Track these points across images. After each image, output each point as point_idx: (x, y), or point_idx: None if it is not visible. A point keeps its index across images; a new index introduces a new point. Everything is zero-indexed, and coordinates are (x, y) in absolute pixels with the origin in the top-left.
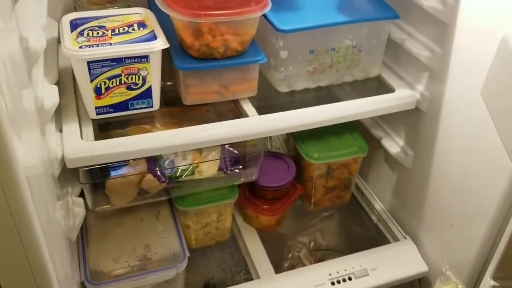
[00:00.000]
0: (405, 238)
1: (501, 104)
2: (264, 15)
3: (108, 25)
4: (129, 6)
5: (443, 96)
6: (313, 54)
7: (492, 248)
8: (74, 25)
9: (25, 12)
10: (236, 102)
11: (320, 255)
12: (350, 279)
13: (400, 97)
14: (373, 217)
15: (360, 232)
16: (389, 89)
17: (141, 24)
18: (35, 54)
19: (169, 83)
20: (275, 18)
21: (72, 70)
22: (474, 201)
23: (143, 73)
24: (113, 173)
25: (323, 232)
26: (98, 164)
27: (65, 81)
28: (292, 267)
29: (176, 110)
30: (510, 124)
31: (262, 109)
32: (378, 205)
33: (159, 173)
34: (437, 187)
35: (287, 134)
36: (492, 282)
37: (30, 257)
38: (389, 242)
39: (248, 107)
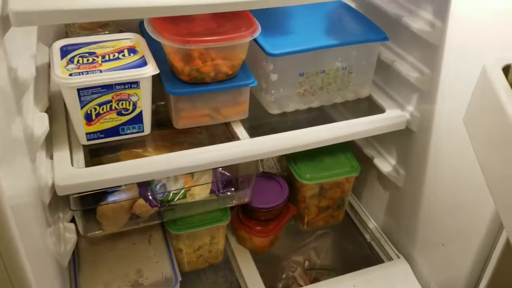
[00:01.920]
0: (399, 257)
1: (480, 133)
2: (255, 39)
3: (99, 51)
4: (121, 30)
5: (433, 116)
6: (303, 77)
7: (484, 267)
8: (64, 51)
9: (14, 42)
10: (227, 124)
11: (314, 274)
12: None
13: (391, 117)
14: (367, 236)
15: (354, 251)
16: (379, 110)
17: (132, 50)
18: (24, 84)
19: (160, 103)
20: (265, 42)
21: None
22: (465, 221)
23: (134, 98)
24: (104, 199)
25: (317, 250)
26: (89, 191)
27: (56, 107)
28: (287, 287)
29: (168, 132)
30: (488, 153)
31: (254, 131)
32: (372, 224)
33: (150, 197)
34: (428, 206)
35: None
36: None
37: (16, 285)
38: (382, 261)
39: (240, 130)
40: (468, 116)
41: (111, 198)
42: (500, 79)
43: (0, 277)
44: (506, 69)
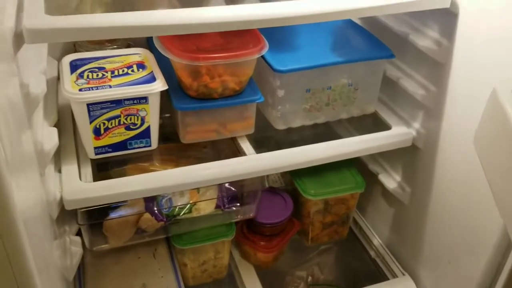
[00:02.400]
0: (404, 274)
1: (491, 156)
2: (262, 56)
3: (108, 66)
4: (129, 45)
5: (439, 134)
6: (309, 93)
7: (490, 287)
8: (74, 66)
9: (26, 56)
10: (233, 139)
11: None
12: None
13: (397, 134)
14: (371, 252)
15: (358, 267)
16: (385, 126)
17: (140, 65)
18: (36, 99)
19: (166, 115)
20: (272, 59)
21: (71, 109)
22: (472, 239)
23: (142, 113)
24: (111, 214)
25: (321, 266)
26: (96, 205)
27: (64, 121)
28: None
29: (174, 146)
30: (499, 175)
31: (260, 146)
32: (376, 240)
33: (156, 211)
34: (434, 223)
35: None
36: None
37: None
38: (387, 278)
39: (246, 145)
40: (477, 138)
41: (117, 213)
42: (510, 102)
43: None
44: None
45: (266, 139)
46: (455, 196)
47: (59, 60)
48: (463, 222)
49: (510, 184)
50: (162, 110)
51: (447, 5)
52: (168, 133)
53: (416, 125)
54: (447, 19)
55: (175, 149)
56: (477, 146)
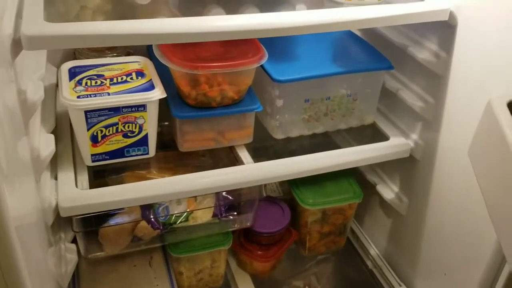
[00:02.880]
0: (400, 285)
1: (485, 167)
2: (261, 65)
3: (107, 73)
4: (128, 53)
5: (436, 145)
6: (308, 103)
7: None
8: (72, 73)
9: (24, 63)
10: (232, 148)
11: None
12: None
13: (395, 145)
14: (368, 263)
15: (355, 277)
16: (383, 137)
17: (139, 73)
18: (33, 106)
19: (165, 123)
20: (271, 68)
21: (69, 116)
22: (468, 250)
23: (140, 121)
24: (107, 221)
25: (318, 276)
26: (92, 213)
27: (62, 127)
28: None
29: (172, 154)
30: (492, 187)
31: (258, 155)
32: (373, 251)
33: (153, 219)
34: (431, 235)
35: None
36: None
37: None
38: None
39: (244, 154)
40: (472, 150)
41: (113, 220)
42: (505, 114)
43: None
44: (511, 105)
45: (264, 149)
46: (452, 208)
47: (58, 67)
48: (459, 234)
49: (503, 196)
50: (161, 119)
51: (446, 18)
52: (166, 141)
53: (414, 136)
54: (445, 31)
55: (173, 157)
56: (471, 157)
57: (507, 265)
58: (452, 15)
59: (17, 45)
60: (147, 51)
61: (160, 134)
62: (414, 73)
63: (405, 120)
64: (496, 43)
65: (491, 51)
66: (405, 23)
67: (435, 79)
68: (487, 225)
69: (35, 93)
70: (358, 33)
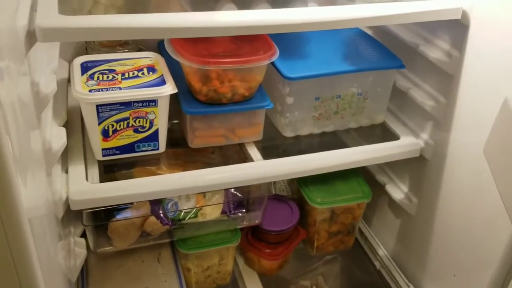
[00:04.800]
0: (408, 286)
1: (502, 164)
2: (272, 62)
3: (118, 68)
4: (140, 49)
5: (447, 145)
6: (318, 101)
7: None
8: (84, 68)
9: (37, 57)
10: (241, 145)
11: None
12: None
13: (405, 144)
14: (376, 263)
15: (363, 278)
16: (393, 136)
17: (151, 69)
18: (45, 98)
19: (175, 122)
20: (282, 66)
21: (80, 110)
22: (478, 252)
23: (151, 116)
24: (116, 216)
25: (325, 276)
26: (102, 207)
27: (73, 121)
28: None
29: (181, 151)
30: (510, 183)
31: (267, 153)
32: (382, 251)
33: (162, 215)
34: (440, 235)
35: None
36: None
37: None
38: None
39: (253, 151)
40: (488, 148)
41: (123, 215)
42: None
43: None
44: None
45: (274, 147)
46: (462, 208)
47: (70, 62)
48: (469, 235)
49: None
50: (171, 116)
51: (458, 17)
52: (176, 139)
53: (425, 136)
54: (458, 30)
55: (182, 154)
56: (487, 155)
57: None
58: (464, 14)
59: (31, 37)
60: (158, 48)
61: (170, 132)
62: (425, 72)
63: (415, 120)
64: (509, 41)
65: (504, 51)
66: (417, 21)
67: (446, 79)
68: (497, 226)
69: (48, 86)
70: (369, 32)
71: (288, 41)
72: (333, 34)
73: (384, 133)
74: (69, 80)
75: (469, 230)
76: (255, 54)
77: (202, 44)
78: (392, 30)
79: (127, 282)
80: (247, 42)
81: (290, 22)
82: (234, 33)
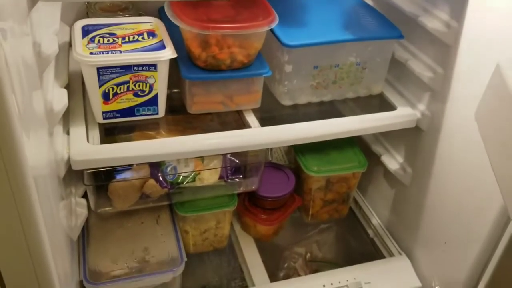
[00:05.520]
0: (400, 254)
1: (492, 130)
2: (271, 30)
3: (119, 32)
4: (140, 14)
5: (443, 116)
6: (317, 70)
7: (484, 268)
8: (85, 31)
9: (39, 18)
10: (239, 113)
11: (316, 266)
12: None
13: (401, 115)
14: (370, 232)
15: (357, 246)
16: (390, 107)
17: (151, 33)
18: (47, 59)
19: (175, 91)
20: (281, 33)
21: (82, 75)
22: (469, 221)
23: (151, 81)
24: (116, 177)
25: (320, 244)
26: (103, 167)
27: (74, 85)
28: (287, 277)
29: (181, 118)
30: (499, 149)
31: (265, 121)
32: (375, 220)
33: (161, 178)
34: (433, 205)
35: (289, 146)
36: None
37: (33, 254)
38: (384, 257)
39: (251, 118)
40: (480, 113)
41: (123, 176)
42: None
43: (19, 244)
44: None
45: (271, 115)
46: (455, 179)
47: (71, 26)
48: (461, 204)
49: (510, 157)
50: (172, 86)
51: None
52: (176, 107)
53: (421, 107)
54: (457, 0)
55: (182, 120)
56: (478, 119)
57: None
58: None
59: None
60: (158, 14)
61: (171, 100)
62: (424, 43)
63: (413, 91)
64: (507, 11)
65: (503, 21)
66: None
67: (444, 50)
68: (489, 196)
69: (50, 46)
70: (369, 2)
71: (288, 8)
72: (333, 3)
73: (381, 104)
74: (70, 44)
75: (461, 200)
76: (254, 20)
77: (202, 9)
78: (392, 1)
79: (127, 241)
80: (246, 8)
81: None
82: None
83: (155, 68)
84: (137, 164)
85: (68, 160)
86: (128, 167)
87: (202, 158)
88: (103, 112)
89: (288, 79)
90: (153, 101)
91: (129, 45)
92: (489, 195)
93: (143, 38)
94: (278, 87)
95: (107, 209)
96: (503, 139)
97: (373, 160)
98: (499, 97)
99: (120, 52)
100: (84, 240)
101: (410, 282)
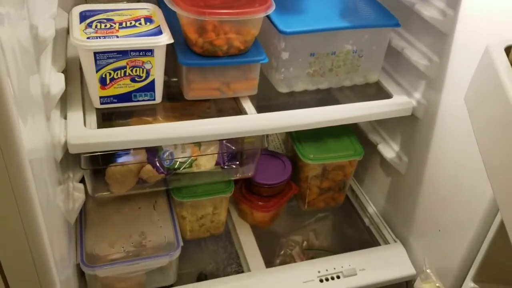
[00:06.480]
0: (395, 241)
1: (481, 112)
2: (268, 16)
3: (116, 18)
4: (138, 0)
5: (438, 104)
6: (313, 57)
7: (477, 254)
8: (83, 16)
9: (37, 2)
10: (236, 100)
11: (312, 254)
12: (338, 277)
13: (397, 103)
14: (366, 220)
15: (353, 234)
16: (387, 95)
17: (148, 19)
18: (44, 42)
19: (173, 79)
20: (278, 20)
21: (79, 60)
22: (463, 209)
23: (147, 66)
24: (113, 161)
25: (317, 232)
26: (99, 151)
27: (72, 70)
28: (283, 264)
29: (178, 104)
30: (487, 131)
31: (262, 108)
32: (371, 208)
33: (158, 164)
34: (428, 193)
35: (286, 134)
36: (472, 285)
37: (30, 237)
38: (379, 245)
39: (248, 105)
40: (469, 95)
41: (120, 160)
42: (501, 58)
43: (15, 227)
44: (508, 50)
45: (268, 102)
46: (449, 168)
47: (69, 12)
48: (455, 193)
49: (497, 143)
50: (170, 74)
51: None
52: (173, 94)
53: (417, 95)
54: None
55: (179, 107)
56: (468, 102)
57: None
58: None
59: None
60: (156, 0)
61: (168, 87)
62: (420, 31)
63: (409, 79)
64: (503, 3)
65: (498, 9)
66: None
67: (440, 38)
68: (482, 185)
69: (47, 30)
70: None
71: None
72: None
73: (377, 92)
74: (68, 31)
75: (455, 188)
76: (251, 6)
77: None
78: None
79: (124, 226)
80: None
81: None
82: None
83: (151, 54)
84: (134, 149)
85: (65, 144)
86: (125, 152)
87: (199, 144)
88: (100, 97)
89: (285, 66)
90: (150, 87)
91: (126, 30)
92: (482, 182)
93: (140, 23)
94: (275, 74)
95: (104, 193)
96: (491, 121)
97: (370, 148)
98: (487, 78)
99: (117, 37)
100: (81, 224)
101: (404, 269)
